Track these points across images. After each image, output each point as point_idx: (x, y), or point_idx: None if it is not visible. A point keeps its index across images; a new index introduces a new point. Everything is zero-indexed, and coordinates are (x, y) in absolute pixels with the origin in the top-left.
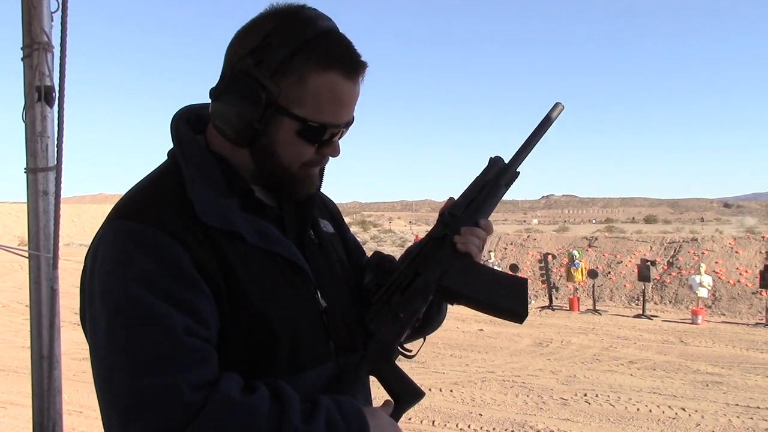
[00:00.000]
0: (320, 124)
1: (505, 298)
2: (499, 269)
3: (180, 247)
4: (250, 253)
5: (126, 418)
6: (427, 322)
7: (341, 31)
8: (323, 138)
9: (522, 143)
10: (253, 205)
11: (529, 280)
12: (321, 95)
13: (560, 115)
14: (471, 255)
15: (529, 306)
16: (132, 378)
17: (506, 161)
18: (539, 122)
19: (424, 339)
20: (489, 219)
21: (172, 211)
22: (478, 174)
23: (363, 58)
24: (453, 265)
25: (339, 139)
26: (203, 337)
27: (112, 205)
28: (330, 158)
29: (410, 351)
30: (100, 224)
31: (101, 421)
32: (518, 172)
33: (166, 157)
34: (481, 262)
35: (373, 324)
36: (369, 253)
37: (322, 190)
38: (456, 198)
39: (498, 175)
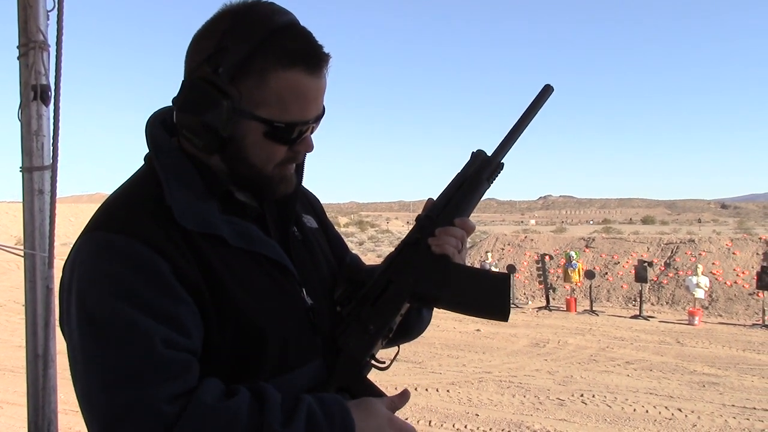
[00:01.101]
0: (287, 124)
1: (484, 297)
2: (496, 269)
3: (159, 257)
4: (232, 255)
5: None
6: (407, 330)
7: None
8: (292, 137)
9: (507, 132)
10: (233, 206)
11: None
12: (284, 95)
13: (549, 100)
14: (448, 256)
15: (511, 302)
16: (107, 392)
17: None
18: (526, 108)
19: (399, 348)
20: (469, 217)
21: (151, 219)
22: (459, 170)
23: (325, 50)
24: (428, 268)
25: (311, 133)
26: (183, 347)
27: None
28: (306, 153)
29: (383, 363)
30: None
31: None
32: (502, 164)
33: (143, 162)
34: (463, 263)
35: (341, 339)
36: (364, 254)
37: (307, 186)
38: (434, 199)
39: (479, 170)
